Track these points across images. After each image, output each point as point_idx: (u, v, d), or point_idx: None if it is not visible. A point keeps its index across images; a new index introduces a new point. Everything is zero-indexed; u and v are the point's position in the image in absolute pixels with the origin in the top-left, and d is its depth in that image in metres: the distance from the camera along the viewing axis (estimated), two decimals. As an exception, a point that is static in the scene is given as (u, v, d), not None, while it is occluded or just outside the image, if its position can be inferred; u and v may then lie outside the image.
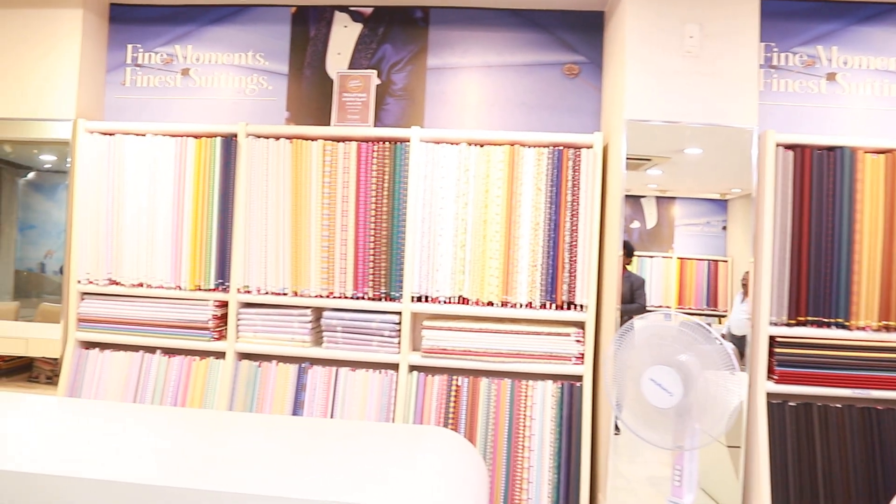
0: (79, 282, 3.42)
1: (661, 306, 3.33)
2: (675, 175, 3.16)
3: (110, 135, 3.43)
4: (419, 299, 3.22)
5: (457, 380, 3.17)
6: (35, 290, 3.52)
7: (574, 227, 3.15)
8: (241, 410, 3.25)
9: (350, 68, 3.52)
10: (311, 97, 3.54)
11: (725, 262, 3.25)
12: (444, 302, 3.20)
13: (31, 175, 3.56)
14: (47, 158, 3.46)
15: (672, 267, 3.32)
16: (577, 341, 3.12)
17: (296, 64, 3.57)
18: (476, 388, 3.16)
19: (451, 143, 3.22)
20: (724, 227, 3.26)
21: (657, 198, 3.26)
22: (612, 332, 2.96)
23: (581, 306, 3.14)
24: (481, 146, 3.21)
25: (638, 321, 2.05)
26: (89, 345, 3.46)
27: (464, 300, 3.19)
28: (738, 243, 3.15)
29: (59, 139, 3.42)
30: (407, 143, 3.22)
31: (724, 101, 2.92)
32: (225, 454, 1.82)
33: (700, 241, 3.30)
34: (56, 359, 3.46)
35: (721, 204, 3.27)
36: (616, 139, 3.04)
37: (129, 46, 3.69)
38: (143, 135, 3.40)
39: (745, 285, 3.02)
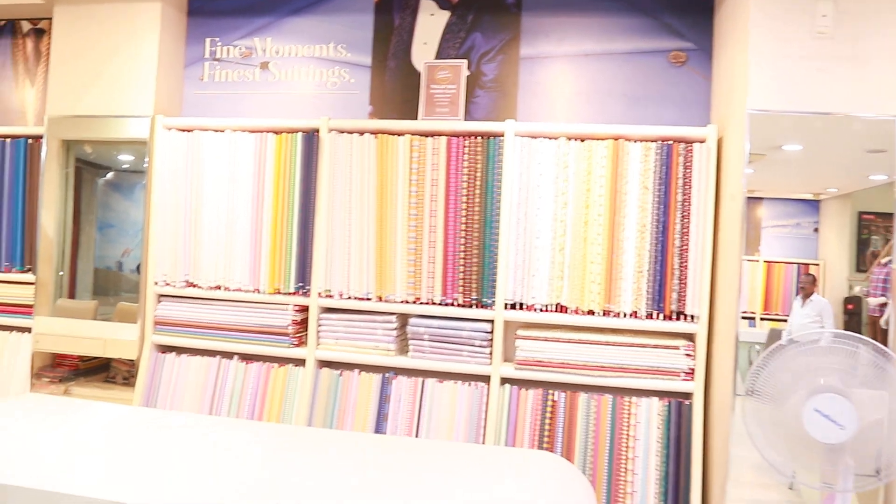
0: (156, 283, 3.30)
1: (745, 312, 3.02)
2: (767, 173, 2.85)
3: (188, 131, 3.31)
4: (513, 307, 2.98)
5: (553, 394, 2.92)
6: (113, 288, 3.46)
7: (685, 230, 2.86)
8: (321, 421, 3.07)
9: (437, 59, 3.30)
10: (396, 90, 3.34)
11: (817, 265, 2.98)
12: (541, 310, 2.95)
13: (109, 175, 3.50)
14: (126, 158, 3.38)
15: (758, 271, 3.07)
16: (687, 355, 2.83)
17: (379, 55, 3.38)
18: (574, 403, 2.90)
19: (549, 138, 2.97)
20: (816, 229, 3.01)
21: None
22: (727, 347, 2.66)
23: (692, 317, 2.85)
24: (582, 141, 2.95)
25: (788, 338, 1.77)
26: (166, 348, 3.34)
27: (562, 308, 2.93)
28: (831, 246, 2.92)
29: (138, 138, 3.32)
30: (500, 138, 2.98)
31: (866, 88, 2.58)
32: (312, 480, 1.62)
33: (789, 244, 3.04)
34: (133, 360, 3.35)
35: (813, 204, 3.02)
36: (732, 133, 2.74)
37: (208, 40, 3.56)
38: (222, 131, 3.26)
39: (803, 288, 2.84)
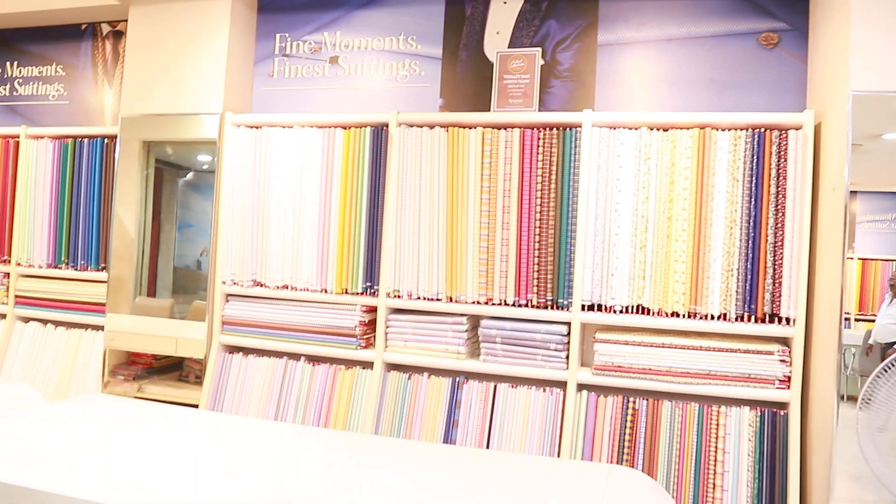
0: (224, 283, 3.26)
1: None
2: (863, 164, 2.58)
3: (256, 128, 3.26)
4: (591, 308, 2.80)
5: (634, 402, 2.73)
6: (192, 286, 3.46)
7: (779, 225, 2.62)
8: (388, 426, 2.96)
9: (510, 48, 3.15)
10: (468, 81, 3.22)
11: (916, 262, 2.72)
12: (620, 311, 2.76)
13: (189, 175, 3.52)
14: (204, 159, 3.38)
15: (852, 268, 2.77)
16: (782, 361, 2.60)
17: (450, 46, 3.26)
18: (657, 412, 2.70)
19: (629, 128, 2.78)
20: (916, 224, 2.74)
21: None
22: (828, 352, 2.42)
23: (787, 320, 2.61)
24: (665, 130, 2.75)
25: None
26: (233, 349, 3.31)
27: (644, 310, 2.74)
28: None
29: (206, 138, 3.31)
30: (577, 129, 2.82)
31: None
32: (373, 494, 1.50)
33: (887, 240, 2.79)
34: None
35: (913, 198, 2.75)
36: (832, 117, 2.50)
37: (277, 36, 3.52)
38: (290, 126, 3.20)
39: (892, 286, 2.65)
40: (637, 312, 2.76)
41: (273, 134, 3.22)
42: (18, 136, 3.95)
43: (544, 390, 2.85)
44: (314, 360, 3.17)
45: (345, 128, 3.13)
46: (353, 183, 3.08)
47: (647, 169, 2.74)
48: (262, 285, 3.22)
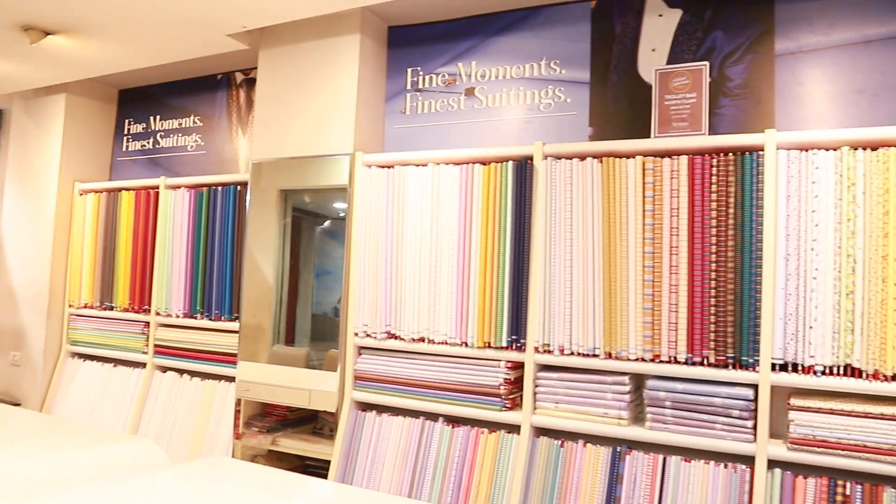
0: (356, 334, 3.03)
1: None
2: None
3: (389, 167, 3.04)
4: (783, 368, 2.32)
5: (844, 486, 2.20)
6: (329, 333, 3.30)
7: None
8: (538, 500, 2.60)
9: (668, 65, 2.76)
10: (621, 106, 2.85)
11: None
12: (822, 373, 2.26)
13: (326, 223, 3.42)
14: (341, 206, 3.23)
15: None
16: None
17: (599, 69, 2.91)
18: (876, 501, 2.16)
19: (826, 148, 2.31)
20: None
21: None
22: None
23: None
24: (873, 150, 2.25)
25: None
26: (366, 406, 3.06)
27: (853, 371, 2.23)
28: None
29: (343, 185, 3.12)
30: (758, 154, 2.37)
31: None
32: None
33: None
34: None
35: None
36: None
37: (409, 70, 3.31)
38: (425, 164, 2.95)
39: None
40: (844, 374, 2.24)
41: (407, 173, 2.98)
42: (158, 187, 3.97)
43: (726, 466, 2.38)
44: (453, 421, 2.85)
45: (484, 163, 2.83)
46: (494, 223, 2.78)
47: (851, 197, 2.25)
48: (396, 337, 2.95)
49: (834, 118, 2.53)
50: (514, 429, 2.72)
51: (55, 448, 1.91)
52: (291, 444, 3.27)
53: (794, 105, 2.59)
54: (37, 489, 1.65)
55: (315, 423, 3.46)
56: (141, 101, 4.52)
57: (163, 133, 4.38)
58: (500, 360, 2.74)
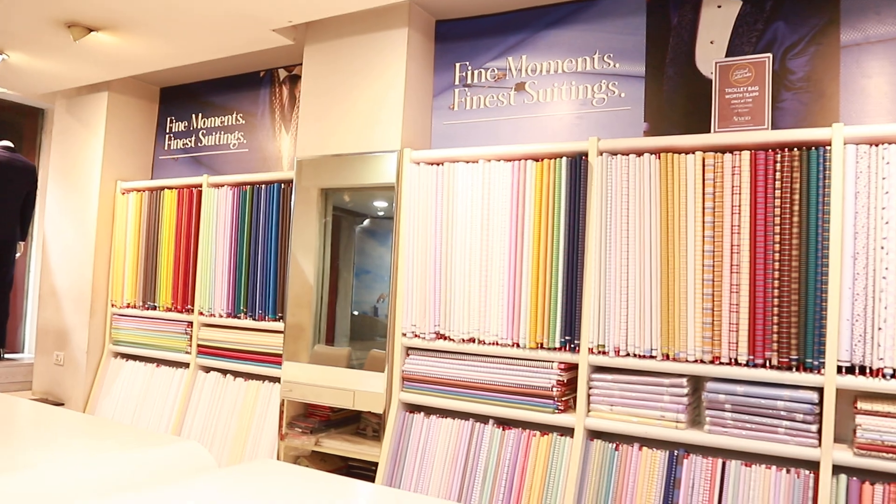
0: (404, 335, 2.99)
1: None
2: None
3: (438, 164, 2.99)
4: (850, 370, 2.22)
5: (918, 494, 2.11)
6: (369, 333, 3.30)
7: None
8: (592, 502, 2.52)
9: (728, 58, 2.68)
10: (678, 101, 2.76)
11: None
12: (892, 376, 2.16)
13: (366, 222, 3.40)
14: (381, 205, 3.24)
15: None
16: None
17: (654, 62, 2.83)
18: (955, 510, 2.06)
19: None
20: None
21: None
22: None
23: None
24: (951, 143, 2.15)
25: None
26: (414, 408, 3.01)
27: (929, 375, 2.13)
28: None
29: (390, 183, 3.07)
30: (825, 149, 2.28)
31: None
32: None
33: None
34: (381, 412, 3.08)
35: None
36: None
37: (457, 65, 3.26)
38: (475, 161, 2.90)
39: None
40: (918, 378, 2.15)
41: (456, 170, 2.93)
42: (201, 186, 3.96)
43: (788, 471, 2.29)
44: (504, 423, 2.79)
45: (537, 159, 2.77)
46: (547, 221, 2.71)
47: (926, 194, 2.15)
48: (445, 338, 2.90)
49: (903, 112, 2.43)
50: (567, 431, 2.65)
51: (100, 450, 1.88)
52: (335, 445, 3.24)
53: (860, 98, 2.49)
54: (83, 494, 1.62)
55: (358, 423, 3.43)
56: (183, 98, 4.53)
57: (205, 131, 4.38)
58: (552, 362, 2.68)
